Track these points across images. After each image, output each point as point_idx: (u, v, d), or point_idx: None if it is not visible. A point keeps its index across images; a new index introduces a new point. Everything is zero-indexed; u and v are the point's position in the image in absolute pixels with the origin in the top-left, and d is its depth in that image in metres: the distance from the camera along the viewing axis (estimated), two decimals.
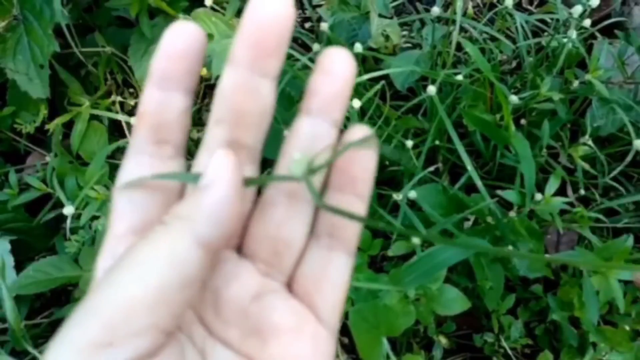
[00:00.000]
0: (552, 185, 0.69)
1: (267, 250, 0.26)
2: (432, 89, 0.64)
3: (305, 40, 0.85)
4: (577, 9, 0.69)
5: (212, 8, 0.73)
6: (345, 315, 0.69)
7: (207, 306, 0.26)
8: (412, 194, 0.67)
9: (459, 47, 0.75)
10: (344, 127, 0.76)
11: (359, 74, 0.74)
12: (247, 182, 0.24)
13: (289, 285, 0.27)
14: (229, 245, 0.27)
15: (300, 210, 0.27)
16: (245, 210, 0.27)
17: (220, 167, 0.22)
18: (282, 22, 0.24)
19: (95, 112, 0.82)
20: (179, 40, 0.24)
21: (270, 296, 0.26)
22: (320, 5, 0.90)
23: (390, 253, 0.70)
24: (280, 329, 0.25)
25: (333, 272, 0.27)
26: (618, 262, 0.64)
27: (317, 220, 0.27)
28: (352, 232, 0.27)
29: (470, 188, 0.73)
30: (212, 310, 0.26)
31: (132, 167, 0.25)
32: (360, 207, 0.27)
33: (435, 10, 0.70)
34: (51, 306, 0.83)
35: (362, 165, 0.26)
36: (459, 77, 0.70)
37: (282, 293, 0.26)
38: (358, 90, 0.74)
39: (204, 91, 0.90)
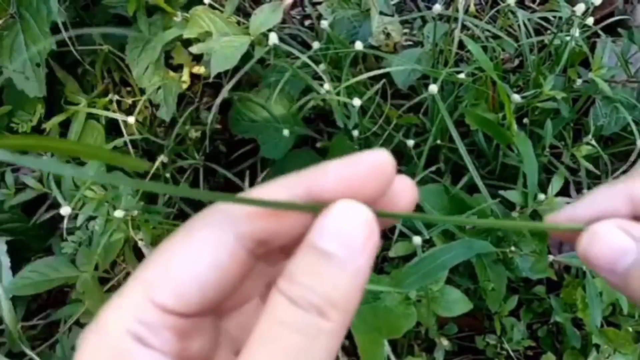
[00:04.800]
0: (555, 185, 0.68)
1: None
2: (433, 88, 0.64)
3: (305, 38, 0.84)
4: (580, 7, 0.68)
5: (211, 5, 0.72)
6: None
7: None
8: None
9: (461, 45, 0.74)
10: (344, 126, 0.75)
11: (359, 72, 0.73)
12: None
13: None
14: None
15: None
16: None
17: (354, 230, 0.21)
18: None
19: (92, 111, 0.81)
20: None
21: None
22: (320, 3, 0.89)
23: (391, 254, 0.70)
24: None
25: None
26: None
27: None
28: None
29: (472, 188, 0.72)
30: None
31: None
32: None
33: (437, 7, 0.69)
34: (48, 307, 0.83)
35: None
36: (461, 76, 0.69)
37: None
38: (358, 89, 0.74)
39: (202, 90, 0.90)
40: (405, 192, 0.24)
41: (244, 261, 0.23)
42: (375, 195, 0.22)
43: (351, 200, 0.21)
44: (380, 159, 0.22)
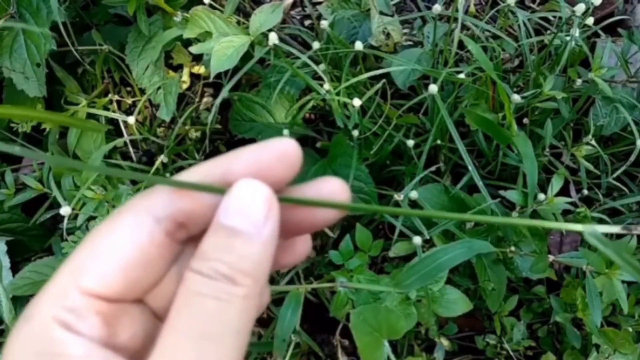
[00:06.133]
0: (555, 185, 0.68)
1: None
2: (433, 88, 0.64)
3: (305, 38, 0.84)
4: (580, 7, 0.68)
5: (211, 5, 0.72)
6: (346, 317, 0.68)
7: None
8: (414, 194, 0.66)
9: (461, 45, 0.74)
10: (344, 126, 0.74)
11: (359, 72, 0.73)
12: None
13: None
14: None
15: None
16: None
17: (254, 204, 0.23)
18: None
19: (92, 111, 0.81)
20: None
21: None
22: (320, 3, 0.89)
23: (391, 254, 0.70)
24: None
25: None
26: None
27: None
28: None
29: (472, 188, 0.72)
30: None
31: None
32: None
33: (437, 7, 0.69)
34: None
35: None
36: (461, 76, 0.69)
37: None
38: (358, 89, 0.74)
39: (202, 90, 0.90)
40: (337, 193, 0.25)
41: (164, 244, 0.24)
42: (282, 179, 0.24)
43: (250, 179, 0.23)
44: (286, 146, 0.24)
